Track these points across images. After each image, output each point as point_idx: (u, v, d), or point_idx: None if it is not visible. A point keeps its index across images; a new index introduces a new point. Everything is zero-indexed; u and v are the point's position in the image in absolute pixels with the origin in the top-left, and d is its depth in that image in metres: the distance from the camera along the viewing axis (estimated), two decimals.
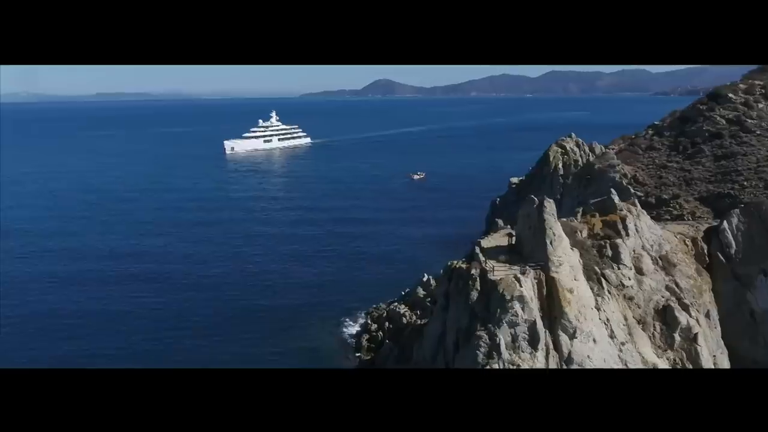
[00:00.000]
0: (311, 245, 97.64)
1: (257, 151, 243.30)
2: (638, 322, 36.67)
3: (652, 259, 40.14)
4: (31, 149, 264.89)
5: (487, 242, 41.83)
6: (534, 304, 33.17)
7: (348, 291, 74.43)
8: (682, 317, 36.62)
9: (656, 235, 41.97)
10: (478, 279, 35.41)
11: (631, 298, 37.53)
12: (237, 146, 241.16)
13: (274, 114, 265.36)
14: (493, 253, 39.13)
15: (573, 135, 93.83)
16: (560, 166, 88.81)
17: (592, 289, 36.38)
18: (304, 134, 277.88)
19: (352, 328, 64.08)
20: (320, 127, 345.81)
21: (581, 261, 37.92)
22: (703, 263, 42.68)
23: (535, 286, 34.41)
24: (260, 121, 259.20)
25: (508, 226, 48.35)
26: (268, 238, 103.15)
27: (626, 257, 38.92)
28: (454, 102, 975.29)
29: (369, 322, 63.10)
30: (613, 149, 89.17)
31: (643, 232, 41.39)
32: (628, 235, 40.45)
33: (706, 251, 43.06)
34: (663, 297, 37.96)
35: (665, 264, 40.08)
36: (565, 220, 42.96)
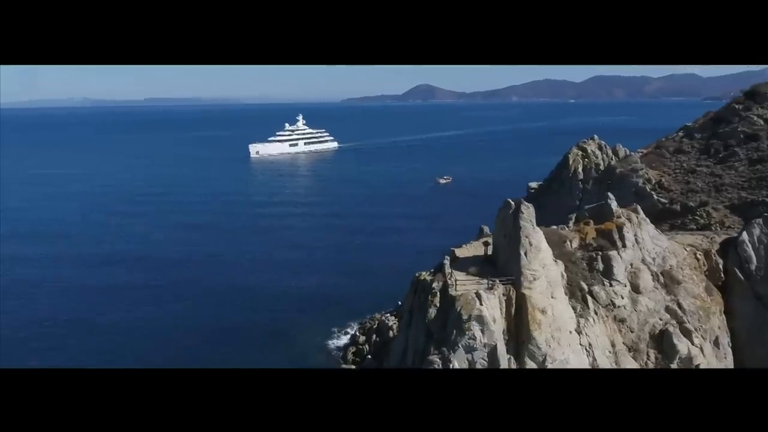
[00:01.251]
0: (320, 251, 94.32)
1: (282, 154, 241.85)
2: (629, 349, 31.34)
3: (652, 275, 34.65)
4: (70, 151, 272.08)
5: (463, 251, 37.17)
6: (497, 326, 28.38)
7: (346, 300, 70.48)
8: (682, 344, 31.07)
9: (660, 247, 36.39)
10: (438, 294, 30.86)
11: (622, 321, 32.19)
12: (262, 150, 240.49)
13: (300, 117, 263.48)
14: (466, 263, 34.47)
15: (595, 137, 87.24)
16: (580, 170, 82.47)
17: (574, 308, 31.29)
18: (331, 138, 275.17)
19: (342, 340, 60.10)
20: (350, 131, 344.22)
21: (565, 275, 32.86)
22: (717, 281, 36.83)
23: (503, 304, 29.61)
24: (287, 124, 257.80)
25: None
26: (277, 242, 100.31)
27: (620, 272, 33.59)
28: (493, 107, 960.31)
29: (358, 333, 58.96)
30: (640, 153, 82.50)
31: (644, 243, 35.91)
32: (624, 246, 35.07)
33: (721, 266, 37.19)
34: (661, 320, 32.46)
35: (668, 281, 34.52)
36: (555, 227, 37.89)
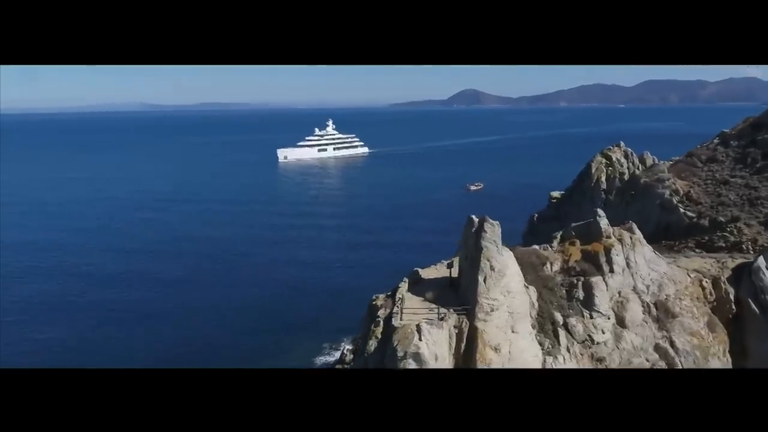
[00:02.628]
0: (330, 260, 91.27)
1: (310, 160, 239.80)
2: None
3: (642, 306, 29.84)
4: (99, 154, 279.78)
5: (431, 271, 33.25)
6: (440, 365, 24.38)
7: (347, 315, 67.16)
8: None
9: (657, 273, 31.48)
10: (381, 323, 27.08)
11: (600, 360, 27.56)
12: (290, 155, 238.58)
13: (330, 122, 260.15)
14: (428, 286, 30.56)
15: (621, 144, 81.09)
16: (603, 179, 76.69)
17: (542, 344, 26.93)
18: (361, 143, 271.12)
19: (331, 357, 56.78)
20: (383, 136, 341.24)
21: (537, 304, 28.53)
22: (727, 313, 31.61)
23: (453, 339, 25.59)
24: (316, 129, 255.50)
25: None
26: (290, 251, 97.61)
27: (603, 302, 28.97)
28: (538, 111, 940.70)
29: (345, 352, 55.47)
30: (671, 161, 75.91)
31: (637, 268, 31.09)
32: (612, 271, 30.39)
33: (732, 297, 31.96)
34: (648, 360, 27.68)
35: (661, 314, 29.63)
36: (536, 247, 33.46)
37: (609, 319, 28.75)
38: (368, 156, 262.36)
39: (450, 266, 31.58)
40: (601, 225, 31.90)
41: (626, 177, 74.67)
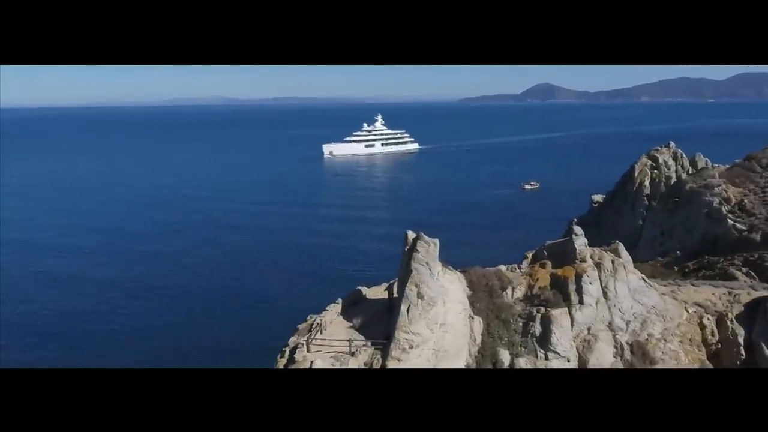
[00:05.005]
0: (364, 261, 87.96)
1: (357, 155, 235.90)
2: None
3: (615, 348, 24.49)
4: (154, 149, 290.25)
5: (379, 290, 29.21)
6: None
7: None
8: None
9: (643, 307, 25.89)
10: (286, 355, 23.43)
11: None
12: (336, 150, 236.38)
13: (379, 117, 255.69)
14: (362, 310, 26.61)
15: (672, 144, 72.54)
16: (647, 183, 68.80)
17: None
18: (411, 139, 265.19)
19: None
20: (439, 132, 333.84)
21: (479, 339, 23.95)
22: (733, 359, 25.55)
23: None
24: (365, 124, 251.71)
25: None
26: (322, 250, 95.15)
27: (563, 340, 23.92)
28: (615, 107, 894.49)
29: None
30: (727, 165, 66.85)
31: (616, 300, 25.66)
32: (581, 302, 25.18)
33: (741, 339, 25.87)
34: None
35: (637, 358, 24.14)
36: (502, 267, 28.62)
37: (568, 361, 23.69)
38: (418, 152, 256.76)
39: (390, 287, 27.43)
40: (576, 245, 26.63)
41: (673, 181, 66.53)
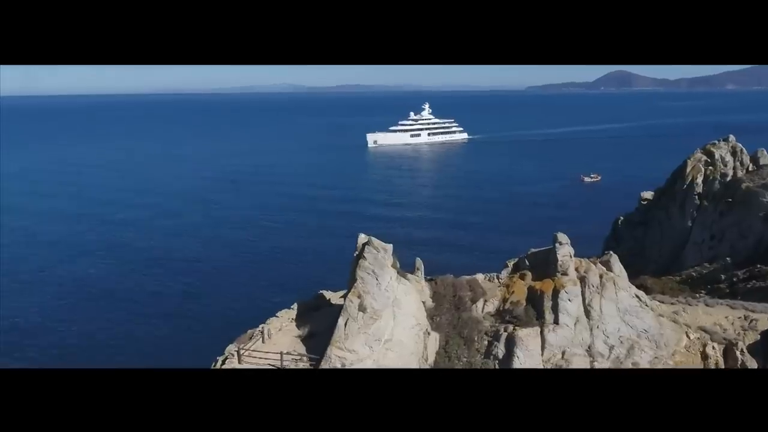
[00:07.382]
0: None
1: (402, 145, 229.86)
2: None
3: None
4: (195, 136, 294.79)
5: (339, 295, 26.95)
6: None
7: None
8: None
9: (633, 330, 22.30)
10: (218, 365, 21.63)
11: None
12: (380, 139, 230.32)
13: (426, 106, 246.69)
14: (318, 317, 24.49)
15: (731, 138, 65.24)
16: (700, 180, 62.19)
17: None
18: (460, 129, 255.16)
19: None
20: (487, 121, 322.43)
21: (430, 359, 21.29)
22: None
23: None
24: (411, 113, 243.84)
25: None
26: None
27: (527, 365, 20.84)
28: (697, 96, 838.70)
29: None
30: None
31: (601, 321, 22.20)
32: (556, 322, 21.93)
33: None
34: None
35: None
36: (480, 276, 25.65)
37: None
38: (467, 142, 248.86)
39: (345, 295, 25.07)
40: (558, 255, 23.26)
41: (729, 179, 59.88)
